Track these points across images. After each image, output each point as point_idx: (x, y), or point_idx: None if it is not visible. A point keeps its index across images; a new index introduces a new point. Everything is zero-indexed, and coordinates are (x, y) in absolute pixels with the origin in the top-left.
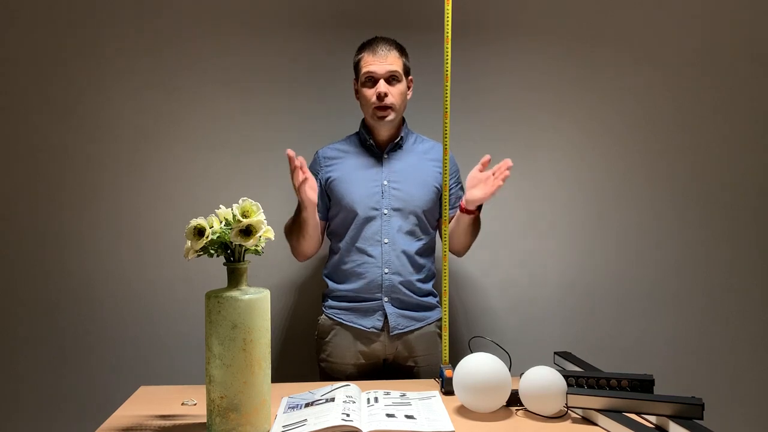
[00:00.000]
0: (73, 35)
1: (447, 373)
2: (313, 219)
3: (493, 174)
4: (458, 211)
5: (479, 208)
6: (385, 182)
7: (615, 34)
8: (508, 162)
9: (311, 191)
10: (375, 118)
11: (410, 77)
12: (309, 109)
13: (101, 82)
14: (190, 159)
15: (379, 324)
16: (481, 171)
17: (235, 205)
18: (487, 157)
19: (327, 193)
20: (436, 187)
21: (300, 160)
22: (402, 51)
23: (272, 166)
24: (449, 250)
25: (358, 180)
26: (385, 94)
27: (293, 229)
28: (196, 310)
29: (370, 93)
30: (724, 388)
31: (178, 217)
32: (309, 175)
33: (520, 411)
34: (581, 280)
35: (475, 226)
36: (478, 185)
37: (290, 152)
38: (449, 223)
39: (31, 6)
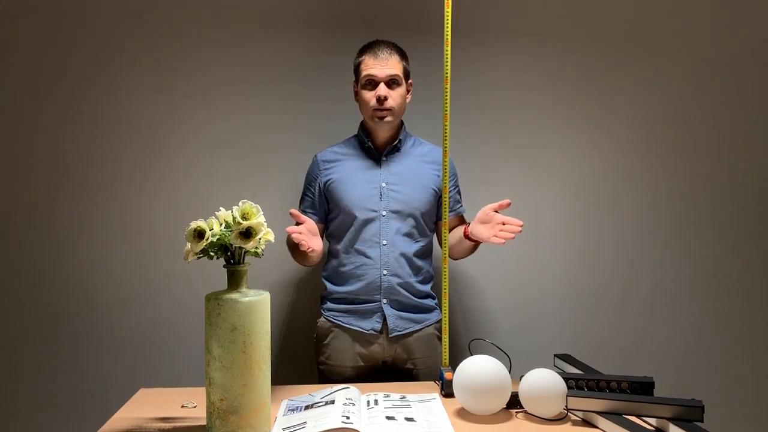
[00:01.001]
0: (74, 38)
1: (447, 375)
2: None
3: (503, 224)
4: (462, 234)
5: None
6: (384, 184)
7: (615, 36)
8: (519, 223)
9: (317, 245)
10: (374, 120)
11: (410, 81)
12: (309, 110)
13: (101, 83)
14: (190, 160)
15: (378, 326)
16: (496, 211)
17: (234, 208)
18: (506, 201)
19: (326, 195)
20: (434, 190)
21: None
22: (402, 55)
23: (272, 168)
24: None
25: (357, 182)
26: (385, 98)
27: (296, 255)
28: (196, 312)
29: (370, 96)
30: (725, 390)
31: (179, 219)
32: (309, 241)
33: (520, 413)
34: (581, 282)
35: (476, 248)
36: (487, 224)
37: (303, 242)
38: (449, 233)
39: (33, 8)
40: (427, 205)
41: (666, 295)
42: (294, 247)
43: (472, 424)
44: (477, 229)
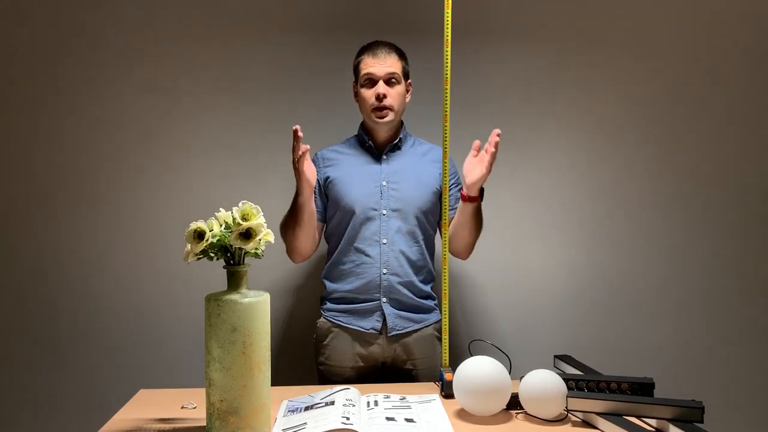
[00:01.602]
0: (73, 39)
1: (447, 376)
2: (309, 206)
3: (486, 151)
4: (460, 203)
5: (481, 195)
6: (384, 183)
7: (616, 36)
8: (496, 131)
9: (310, 174)
10: (373, 119)
11: (409, 81)
12: (309, 111)
13: (101, 85)
14: (191, 162)
15: (378, 325)
16: (474, 156)
17: (234, 208)
18: (476, 142)
19: (326, 193)
20: (436, 188)
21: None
22: (401, 55)
23: (272, 168)
24: (452, 252)
25: (357, 180)
26: (384, 96)
27: (289, 221)
28: (196, 313)
29: (369, 94)
30: (725, 390)
31: (178, 219)
32: (308, 156)
33: (520, 414)
34: (582, 283)
35: (478, 219)
36: (474, 169)
37: (297, 127)
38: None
39: (31, 9)
40: (428, 204)
41: (666, 295)
42: (289, 217)
43: (472, 425)
44: (472, 177)
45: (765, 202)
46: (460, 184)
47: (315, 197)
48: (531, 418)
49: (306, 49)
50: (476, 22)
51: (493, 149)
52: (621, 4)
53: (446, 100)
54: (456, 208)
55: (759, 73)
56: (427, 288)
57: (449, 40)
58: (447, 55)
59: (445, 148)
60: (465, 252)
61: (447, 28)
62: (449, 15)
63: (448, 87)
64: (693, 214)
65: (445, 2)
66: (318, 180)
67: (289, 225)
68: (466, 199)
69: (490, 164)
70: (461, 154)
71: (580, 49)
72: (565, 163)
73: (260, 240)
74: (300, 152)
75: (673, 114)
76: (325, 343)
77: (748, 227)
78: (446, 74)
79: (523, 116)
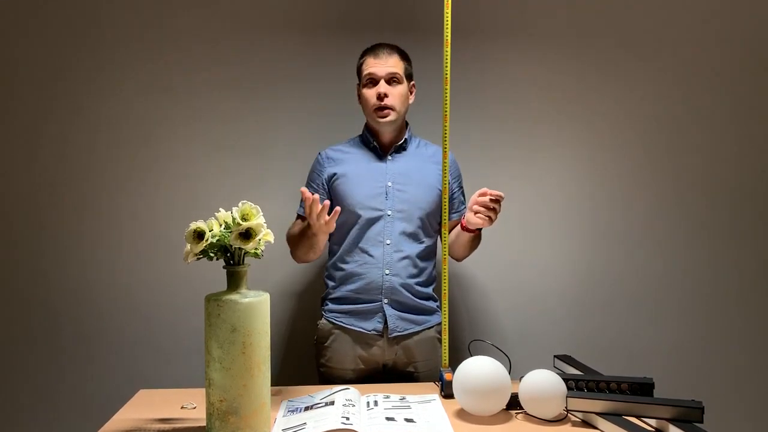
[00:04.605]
0: (73, 38)
1: (447, 376)
2: (326, 238)
3: (485, 206)
4: (459, 227)
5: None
6: (389, 184)
7: (616, 35)
8: (501, 195)
9: (333, 225)
10: (375, 119)
11: (412, 82)
12: (309, 111)
13: (101, 83)
14: (190, 162)
15: (380, 326)
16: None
17: (234, 208)
18: (484, 190)
19: (330, 191)
20: (440, 191)
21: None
22: (404, 56)
23: (272, 169)
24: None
25: (362, 181)
26: (385, 95)
27: (300, 244)
28: (195, 313)
29: (371, 94)
30: (725, 390)
31: (178, 219)
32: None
33: (520, 414)
34: (582, 284)
35: (475, 241)
36: (479, 212)
37: (314, 196)
38: (450, 232)
39: (32, 10)
40: (432, 206)
41: (666, 295)
42: (300, 238)
43: (472, 425)
44: (474, 219)
45: (766, 202)
46: (462, 187)
47: (321, 198)
48: (531, 418)
49: (307, 48)
50: (476, 22)
51: (486, 210)
52: (622, 3)
53: (446, 101)
54: (460, 211)
55: (760, 72)
56: (429, 290)
57: (449, 40)
58: (447, 55)
59: (445, 148)
60: (459, 259)
61: (447, 28)
62: (449, 15)
63: (448, 87)
64: (693, 214)
65: (445, 2)
66: (322, 180)
67: (300, 246)
68: (465, 229)
69: (491, 220)
70: (462, 154)
71: (581, 48)
72: (566, 163)
73: (260, 240)
74: (325, 216)
75: (675, 114)
76: (326, 344)
77: (749, 227)
78: (446, 74)
79: (524, 116)
